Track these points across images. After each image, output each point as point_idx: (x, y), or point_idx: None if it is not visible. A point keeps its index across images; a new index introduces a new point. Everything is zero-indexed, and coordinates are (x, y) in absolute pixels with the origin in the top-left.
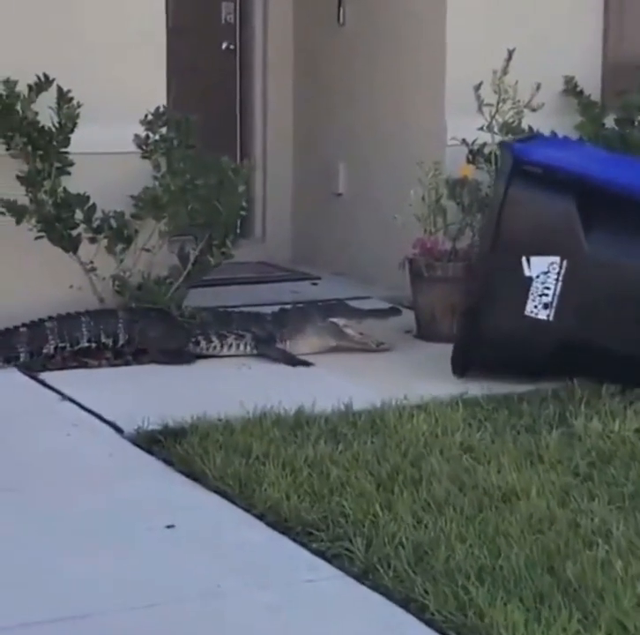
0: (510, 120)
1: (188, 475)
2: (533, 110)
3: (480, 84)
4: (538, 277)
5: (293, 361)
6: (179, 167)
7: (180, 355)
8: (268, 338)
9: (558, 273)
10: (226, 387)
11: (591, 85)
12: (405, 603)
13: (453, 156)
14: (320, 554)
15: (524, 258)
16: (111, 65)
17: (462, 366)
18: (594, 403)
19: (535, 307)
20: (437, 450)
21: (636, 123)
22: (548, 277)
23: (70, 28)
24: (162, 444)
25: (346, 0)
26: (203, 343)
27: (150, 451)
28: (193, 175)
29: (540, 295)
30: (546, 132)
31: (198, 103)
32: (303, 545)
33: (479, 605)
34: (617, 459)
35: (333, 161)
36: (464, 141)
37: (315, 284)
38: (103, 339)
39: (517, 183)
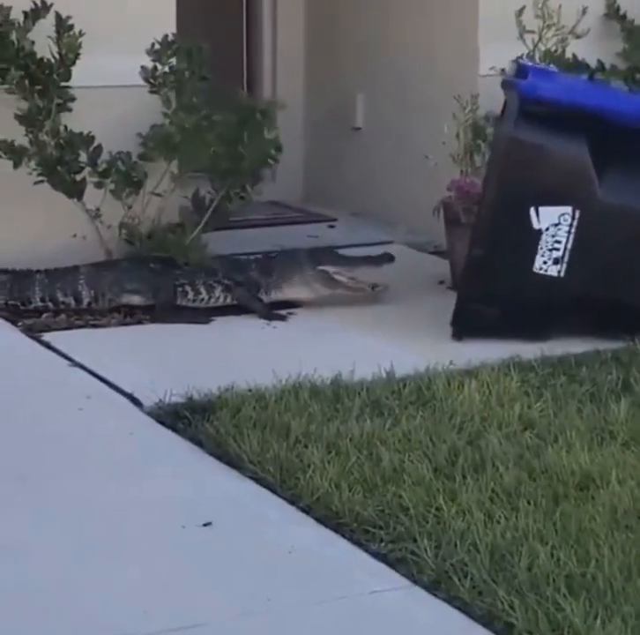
0: (553, 48)
1: (220, 458)
2: (578, 37)
3: (523, 8)
4: (547, 229)
5: (269, 315)
6: (192, 101)
7: (194, 315)
8: (249, 286)
9: (570, 225)
10: (252, 351)
11: (637, 8)
12: (488, 621)
13: (488, 88)
14: (381, 557)
15: (532, 209)
16: None
17: (463, 325)
18: None
19: (545, 263)
20: (495, 425)
21: None
22: (559, 229)
23: None
24: (188, 420)
25: None
26: (190, 294)
27: (174, 429)
28: (210, 110)
29: (551, 250)
30: (591, 61)
31: (198, 31)
32: (360, 546)
33: (575, 625)
34: None
35: (350, 93)
36: (503, 71)
37: (332, 226)
38: (62, 298)
39: (523, 126)
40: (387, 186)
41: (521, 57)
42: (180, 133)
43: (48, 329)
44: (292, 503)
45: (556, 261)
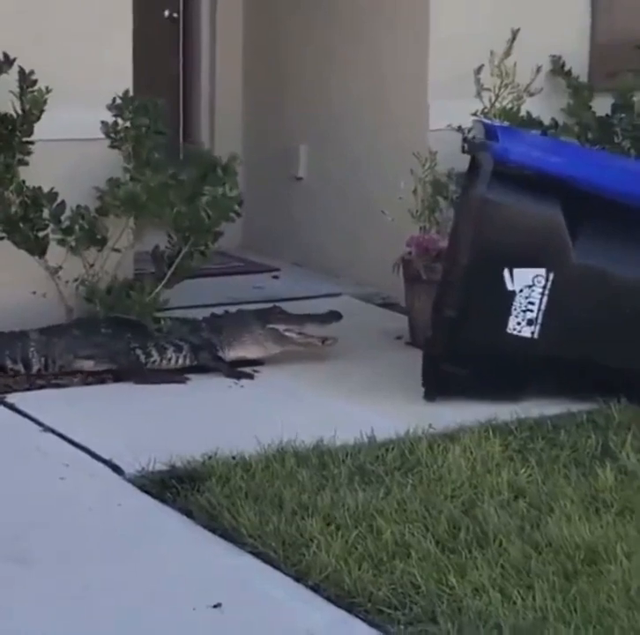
0: (509, 105)
1: (213, 531)
2: (531, 95)
3: (482, 66)
4: (521, 291)
5: (236, 374)
6: (154, 157)
7: (170, 375)
8: (207, 347)
9: (544, 287)
10: (226, 413)
11: (580, 65)
12: None
13: (437, 143)
14: None
15: (506, 271)
16: (75, 46)
17: (434, 386)
18: (634, 429)
19: (518, 323)
20: (487, 493)
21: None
22: (533, 291)
23: (30, 8)
24: (176, 490)
25: None
26: (142, 357)
27: (162, 500)
28: (175, 168)
29: (524, 311)
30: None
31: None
32: (378, 628)
33: None
34: None
35: (293, 143)
36: (460, 128)
37: (276, 277)
38: (11, 365)
39: (498, 187)
40: (330, 237)
41: (476, 114)
42: (145, 192)
43: (10, 389)
44: (297, 580)
45: (530, 322)
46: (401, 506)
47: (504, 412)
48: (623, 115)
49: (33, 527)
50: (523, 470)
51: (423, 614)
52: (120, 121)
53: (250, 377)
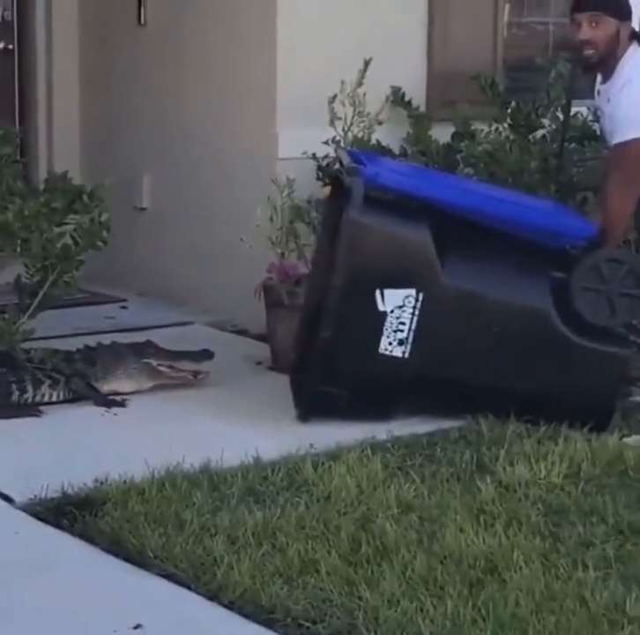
0: (360, 134)
1: (116, 555)
2: (380, 124)
3: (335, 96)
4: (392, 311)
5: (109, 402)
6: (17, 186)
7: (20, 409)
8: (81, 376)
9: (414, 307)
10: (108, 439)
11: (419, 96)
12: None
13: (285, 171)
14: None
15: (377, 292)
16: None
17: (308, 406)
18: (505, 444)
19: (390, 343)
20: (377, 509)
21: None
22: (404, 311)
23: None
24: (73, 516)
25: None
26: (16, 393)
27: (59, 526)
28: (47, 196)
29: (395, 331)
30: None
31: None
32: None
33: None
34: (569, 513)
35: (135, 173)
36: (314, 156)
37: (125, 307)
38: None
39: (368, 211)
40: (176, 266)
41: (327, 143)
42: (18, 220)
43: None
44: (211, 599)
45: (401, 342)
46: (300, 524)
47: (379, 430)
48: (463, 143)
49: None
50: (407, 486)
51: (343, 626)
52: None
53: (122, 405)
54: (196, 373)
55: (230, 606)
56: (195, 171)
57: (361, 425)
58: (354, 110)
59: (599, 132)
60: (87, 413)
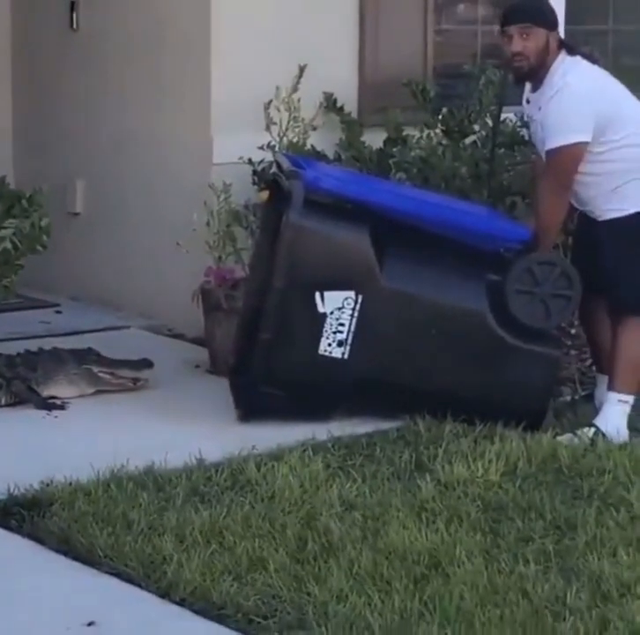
0: (295, 139)
1: (65, 554)
2: (314, 129)
3: (271, 101)
4: (332, 313)
5: (49, 405)
6: None
7: None
8: (23, 380)
9: (353, 309)
10: (50, 441)
11: (351, 102)
12: None
13: (220, 176)
14: None
15: (317, 294)
16: None
17: (248, 407)
18: (442, 443)
19: (329, 345)
20: (321, 508)
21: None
22: (343, 313)
23: None
24: (21, 517)
25: (81, 3)
26: None
27: (7, 527)
28: None
29: (335, 333)
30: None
31: None
32: None
33: None
34: (508, 510)
35: (68, 178)
36: (250, 161)
37: (59, 312)
38: None
39: (308, 215)
40: (110, 271)
41: (263, 148)
42: None
43: None
44: (162, 597)
45: (340, 343)
46: (246, 523)
47: (319, 431)
48: (395, 148)
49: None
50: (348, 485)
51: (293, 621)
52: None
53: (62, 408)
54: (135, 380)
55: (181, 603)
56: (129, 176)
57: (302, 426)
58: (290, 116)
59: (527, 138)
60: (28, 415)
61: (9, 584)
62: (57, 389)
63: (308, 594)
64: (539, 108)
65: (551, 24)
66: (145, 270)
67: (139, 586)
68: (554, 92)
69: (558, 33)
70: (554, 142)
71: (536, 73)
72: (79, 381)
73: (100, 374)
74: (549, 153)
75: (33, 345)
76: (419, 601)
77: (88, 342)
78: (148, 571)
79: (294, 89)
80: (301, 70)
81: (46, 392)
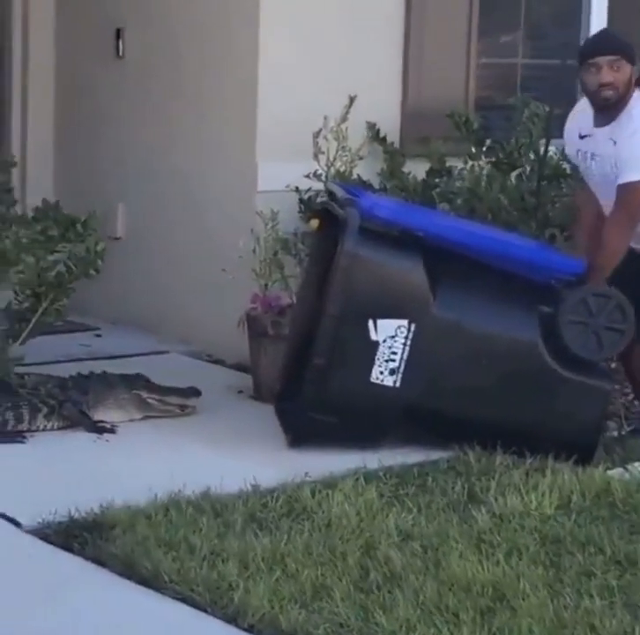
0: (342, 168)
1: (129, 578)
2: (360, 158)
3: (320, 130)
4: (385, 341)
5: (100, 429)
6: (10, 214)
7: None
8: (74, 404)
9: (406, 337)
10: (104, 465)
11: (394, 132)
12: None
13: (264, 204)
14: None
15: (370, 322)
16: None
17: (299, 433)
18: (494, 475)
19: (381, 373)
20: (380, 538)
21: (451, 174)
22: (395, 341)
23: None
24: (84, 540)
25: (126, 31)
26: (11, 421)
27: (70, 550)
28: (43, 224)
29: (387, 361)
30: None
31: None
32: None
33: None
34: (566, 543)
35: (110, 203)
36: (297, 189)
37: (99, 336)
38: None
39: (364, 243)
40: (149, 296)
41: (309, 176)
42: (17, 248)
43: None
44: (228, 622)
45: (392, 372)
46: (307, 550)
47: (370, 459)
48: (438, 179)
49: None
50: (403, 514)
51: None
52: None
53: (112, 431)
54: (183, 407)
55: (249, 629)
56: (171, 202)
57: (351, 453)
58: (338, 145)
59: (568, 171)
60: (79, 439)
61: (77, 606)
62: (106, 413)
63: (376, 624)
64: (614, 143)
65: (634, 59)
66: (185, 295)
67: (205, 611)
68: (636, 128)
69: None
70: (631, 176)
71: (616, 106)
72: (128, 406)
73: (149, 400)
74: (624, 187)
75: (75, 368)
76: (488, 633)
77: (130, 366)
78: (214, 596)
79: (344, 119)
80: (351, 100)
81: (95, 416)
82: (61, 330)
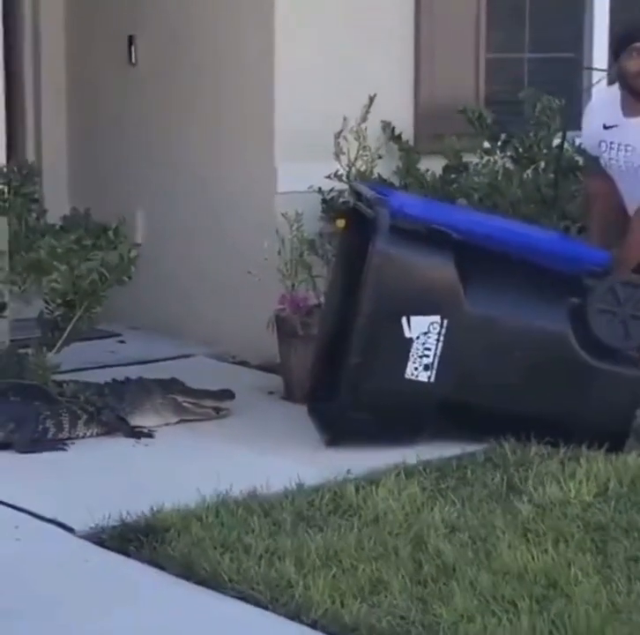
0: (363, 168)
1: (188, 579)
2: (379, 158)
3: (341, 131)
4: (418, 338)
5: (137, 433)
6: (40, 224)
7: (47, 443)
8: (112, 410)
9: (439, 333)
10: (146, 469)
11: (409, 131)
12: None
13: (284, 205)
14: None
15: (403, 319)
16: None
17: (337, 432)
18: (531, 466)
19: (416, 369)
20: (426, 530)
21: (468, 169)
22: (429, 337)
23: None
24: (139, 543)
25: (139, 37)
26: (52, 429)
27: (126, 554)
28: (77, 233)
29: (421, 357)
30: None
31: None
32: None
33: None
34: (609, 530)
35: (128, 209)
36: (320, 190)
37: (122, 342)
38: None
39: (394, 241)
40: (170, 301)
41: (330, 177)
42: (52, 257)
43: None
44: (291, 619)
45: (426, 367)
46: (359, 546)
47: (408, 454)
48: (454, 175)
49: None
50: (447, 507)
51: None
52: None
53: (150, 436)
54: (217, 410)
55: (313, 625)
56: (189, 205)
57: (389, 449)
58: (359, 145)
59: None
60: (119, 444)
61: (140, 609)
62: (143, 418)
63: (436, 615)
64: None
65: None
66: (205, 298)
67: (266, 608)
68: None
69: None
70: None
71: None
72: (164, 410)
73: (185, 404)
74: None
75: (104, 375)
76: (548, 621)
77: (159, 371)
78: (275, 594)
79: (364, 118)
80: (371, 99)
81: (132, 422)
82: (84, 337)
